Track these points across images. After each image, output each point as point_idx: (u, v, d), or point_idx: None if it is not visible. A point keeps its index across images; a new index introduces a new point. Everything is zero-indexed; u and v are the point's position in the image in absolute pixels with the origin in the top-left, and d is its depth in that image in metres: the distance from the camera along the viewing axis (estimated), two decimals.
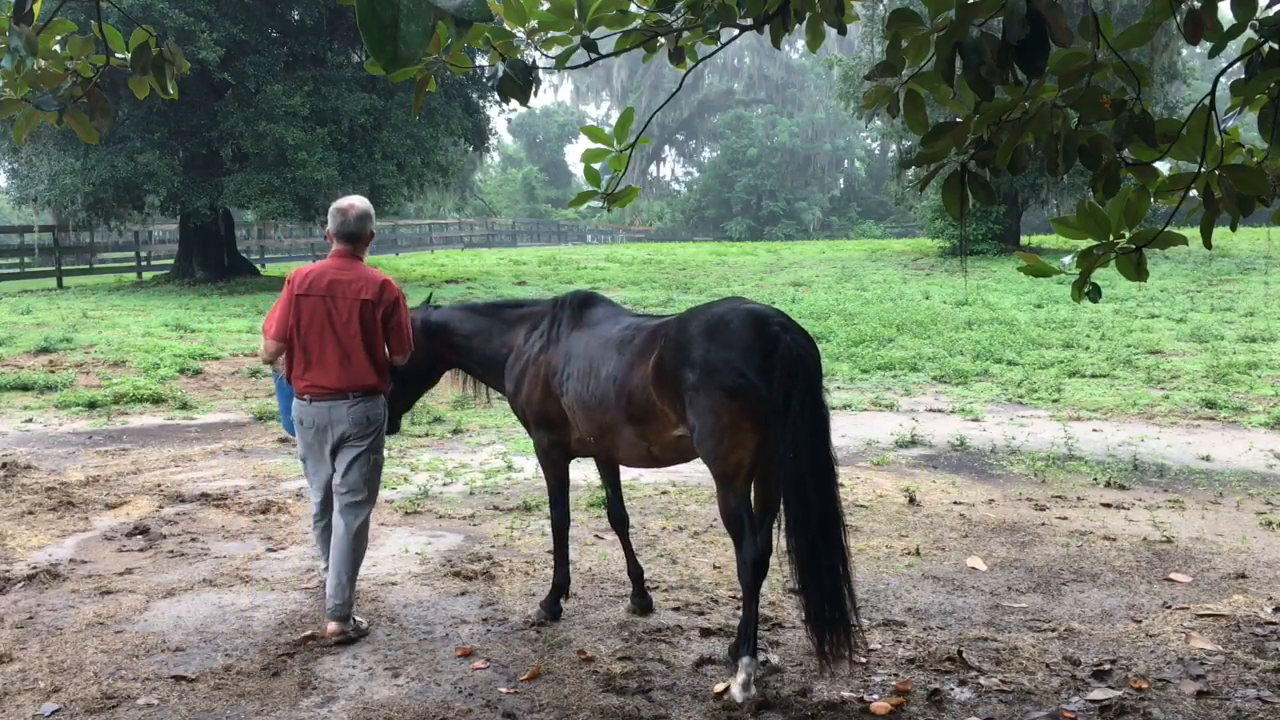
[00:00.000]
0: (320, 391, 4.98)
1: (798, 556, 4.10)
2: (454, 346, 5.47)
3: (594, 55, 3.62)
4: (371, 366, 5.02)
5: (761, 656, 4.44)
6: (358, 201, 5.18)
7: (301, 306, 4.98)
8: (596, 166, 3.86)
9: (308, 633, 4.95)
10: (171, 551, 6.29)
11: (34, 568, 5.91)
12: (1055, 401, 11.31)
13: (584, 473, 7.33)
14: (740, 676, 4.18)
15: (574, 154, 77.69)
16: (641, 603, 5.23)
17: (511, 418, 10.63)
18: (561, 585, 5.21)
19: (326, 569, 5.08)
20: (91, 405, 11.18)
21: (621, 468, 5.31)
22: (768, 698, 4.16)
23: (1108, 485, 7.73)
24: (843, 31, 3.69)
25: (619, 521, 5.32)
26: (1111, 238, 3.19)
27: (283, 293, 5.06)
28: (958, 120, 3.33)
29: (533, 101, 3.79)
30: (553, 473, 5.22)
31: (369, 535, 5.24)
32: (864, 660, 4.44)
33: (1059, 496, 7.46)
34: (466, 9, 2.03)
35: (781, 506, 4.20)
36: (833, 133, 70.91)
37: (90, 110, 3.67)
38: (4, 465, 8.43)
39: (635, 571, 5.27)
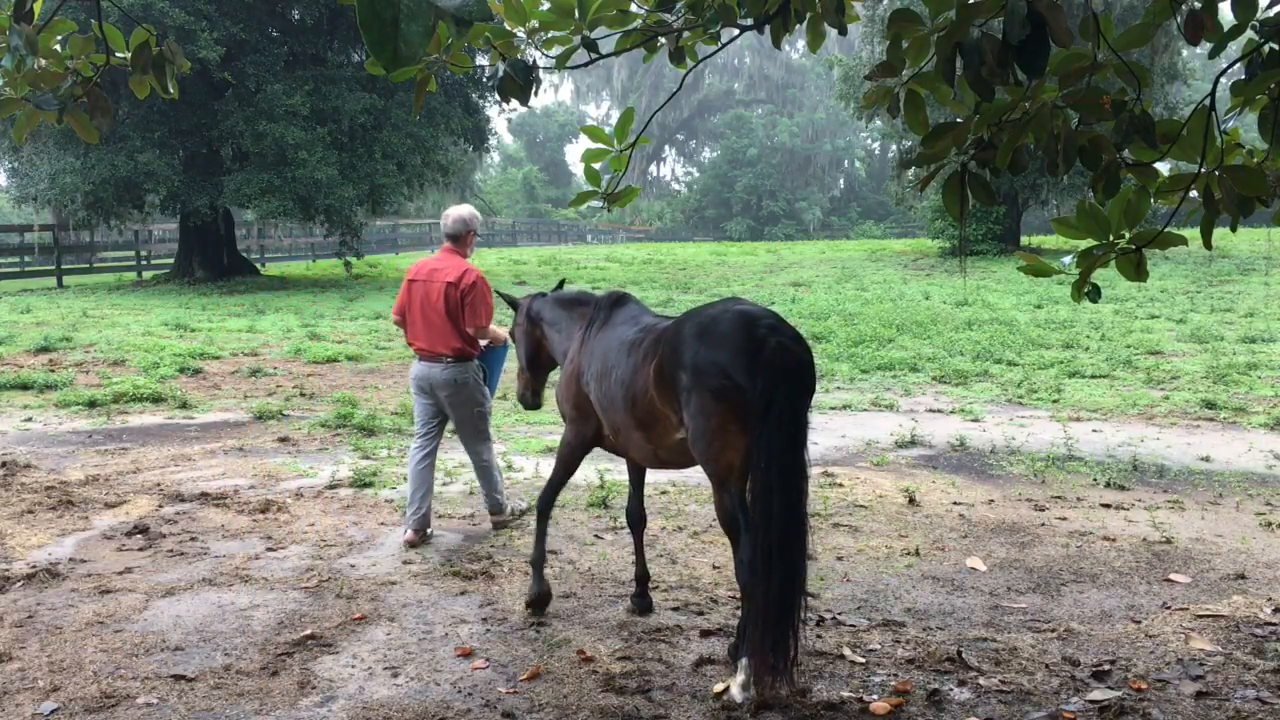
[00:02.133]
0: (423, 353, 6.54)
1: (752, 564, 4.07)
2: (544, 335, 5.72)
3: (594, 55, 3.62)
4: (457, 335, 6.45)
5: (784, 687, 4.41)
6: (460, 210, 6.78)
7: (411, 289, 6.57)
8: (596, 166, 3.86)
9: (307, 632, 4.95)
10: (171, 551, 6.28)
11: (33, 567, 5.91)
12: (1055, 402, 11.31)
13: (583, 474, 7.33)
14: (740, 677, 4.18)
15: (574, 154, 77.69)
16: (641, 604, 5.24)
17: (511, 418, 10.64)
18: (538, 561, 5.28)
19: (409, 496, 6.52)
20: (91, 404, 11.17)
21: (648, 470, 5.42)
22: (767, 698, 4.16)
23: (1107, 486, 7.73)
24: (843, 32, 3.69)
25: (635, 520, 5.36)
26: (1111, 238, 3.19)
27: (404, 279, 6.66)
28: (958, 120, 3.34)
29: (533, 101, 3.80)
30: (561, 466, 5.36)
31: (493, 461, 6.77)
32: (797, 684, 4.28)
33: (1059, 497, 7.46)
34: (467, 9, 2.03)
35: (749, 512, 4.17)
36: (833, 133, 70.91)
37: (90, 109, 3.67)
38: (4, 464, 8.43)
39: (641, 574, 5.28)
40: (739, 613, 4.54)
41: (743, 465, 4.20)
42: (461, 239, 6.68)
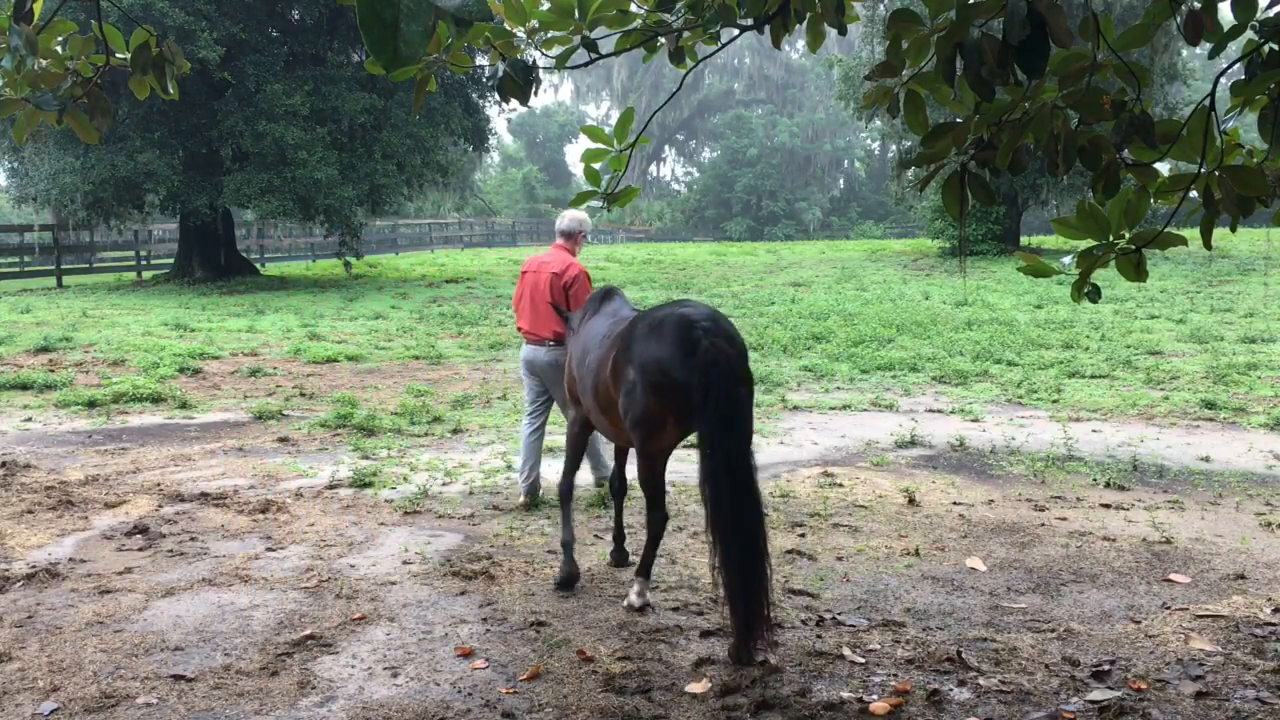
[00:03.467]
0: (530, 337, 7.34)
1: (713, 541, 4.49)
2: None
3: (594, 55, 3.62)
4: (559, 321, 6.97)
5: (760, 656, 4.49)
6: (575, 210, 7.14)
7: (524, 280, 7.38)
8: (596, 166, 3.86)
9: (307, 632, 4.95)
10: (171, 551, 6.28)
11: (33, 567, 5.91)
12: (1055, 402, 11.31)
13: (583, 475, 7.34)
14: (634, 590, 5.20)
15: (574, 154, 77.68)
16: (618, 556, 5.98)
17: (511, 418, 10.64)
18: (568, 543, 5.69)
19: (520, 465, 7.37)
20: (91, 404, 11.17)
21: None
22: (767, 698, 4.16)
23: (1107, 486, 7.73)
24: (843, 32, 3.69)
25: (616, 489, 6.09)
26: (1111, 238, 3.19)
27: (520, 272, 7.48)
28: (958, 120, 3.34)
29: (533, 101, 3.81)
30: (572, 446, 5.97)
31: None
32: (776, 643, 4.66)
33: (1058, 497, 7.46)
34: (467, 9, 2.03)
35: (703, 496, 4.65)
36: (833, 133, 70.89)
37: (90, 110, 3.67)
38: (3, 464, 8.42)
39: (619, 534, 6.03)
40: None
41: (670, 448, 4.98)
42: (574, 236, 7.45)
